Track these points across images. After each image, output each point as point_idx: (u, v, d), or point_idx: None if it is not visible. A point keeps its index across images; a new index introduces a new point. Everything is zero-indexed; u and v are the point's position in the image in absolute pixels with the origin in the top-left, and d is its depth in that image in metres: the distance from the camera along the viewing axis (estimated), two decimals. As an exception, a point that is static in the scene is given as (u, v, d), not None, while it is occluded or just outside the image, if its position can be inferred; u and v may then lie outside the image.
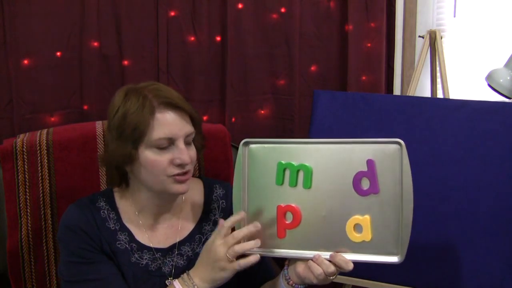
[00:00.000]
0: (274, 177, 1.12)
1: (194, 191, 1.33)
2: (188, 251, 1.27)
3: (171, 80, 1.87)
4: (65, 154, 1.45)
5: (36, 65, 1.72)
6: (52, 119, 1.77)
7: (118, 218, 1.25)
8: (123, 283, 1.19)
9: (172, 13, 1.85)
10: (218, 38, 1.91)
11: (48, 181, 1.44)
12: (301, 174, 1.11)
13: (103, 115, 1.71)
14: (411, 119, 1.43)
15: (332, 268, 1.06)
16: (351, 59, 1.98)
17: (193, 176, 1.46)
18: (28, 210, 1.42)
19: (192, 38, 1.88)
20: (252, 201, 1.14)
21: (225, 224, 1.12)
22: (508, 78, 1.59)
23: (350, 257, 1.07)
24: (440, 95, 1.79)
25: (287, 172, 1.11)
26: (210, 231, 1.29)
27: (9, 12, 1.66)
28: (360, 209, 1.07)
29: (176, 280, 1.16)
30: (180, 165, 1.16)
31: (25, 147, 1.43)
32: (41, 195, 1.43)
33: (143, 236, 1.25)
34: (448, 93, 1.72)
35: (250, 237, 1.11)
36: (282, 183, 1.12)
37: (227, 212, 1.30)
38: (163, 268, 1.24)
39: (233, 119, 1.95)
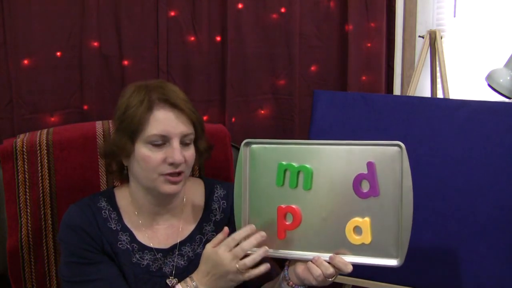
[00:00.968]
0: (275, 178, 1.12)
1: (195, 191, 1.33)
2: (189, 252, 1.27)
3: (171, 80, 1.87)
4: (65, 154, 1.44)
5: (36, 65, 1.72)
6: (52, 119, 1.77)
7: (119, 219, 1.25)
8: (124, 283, 1.19)
9: (172, 13, 1.85)
10: (218, 38, 1.91)
11: (48, 181, 1.43)
12: (301, 175, 1.11)
13: (103, 115, 1.71)
14: (411, 119, 1.43)
15: (331, 270, 1.06)
16: (351, 59, 1.98)
17: (194, 176, 1.47)
18: (28, 210, 1.42)
19: (192, 38, 1.88)
20: (252, 201, 1.14)
21: (236, 237, 1.11)
22: (508, 78, 1.59)
23: (349, 259, 1.07)
24: (440, 95, 1.79)
25: (288, 173, 1.11)
26: (211, 232, 1.29)
27: (9, 12, 1.66)
28: (360, 211, 1.07)
29: (179, 284, 1.16)
30: (173, 164, 1.16)
31: (25, 147, 1.43)
32: (41, 195, 1.43)
33: (143, 237, 1.25)
34: (448, 93, 1.72)
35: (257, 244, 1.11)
36: (283, 184, 1.12)
37: (228, 213, 1.31)
38: (163, 268, 1.24)
39: (233, 119, 1.95)
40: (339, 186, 1.08)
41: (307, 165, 1.10)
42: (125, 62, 1.82)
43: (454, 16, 1.96)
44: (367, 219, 1.06)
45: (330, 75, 2.03)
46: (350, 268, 1.06)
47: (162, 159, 1.16)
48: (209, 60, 1.91)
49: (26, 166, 1.42)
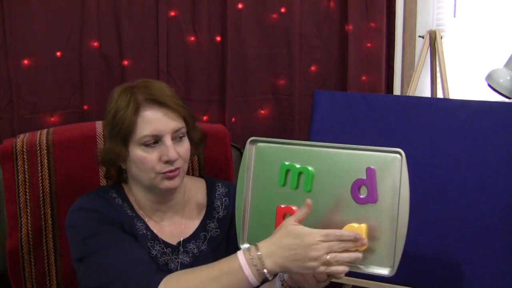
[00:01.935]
0: (277, 178, 1.12)
1: (197, 190, 1.34)
2: (194, 249, 1.27)
3: (171, 80, 1.87)
4: (65, 154, 1.45)
5: (36, 65, 1.72)
6: (52, 119, 1.77)
7: (132, 208, 1.25)
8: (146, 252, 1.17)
9: (172, 13, 1.85)
10: (218, 38, 1.91)
11: (48, 181, 1.43)
12: (302, 176, 1.10)
13: (103, 115, 1.69)
14: (411, 119, 1.43)
15: (322, 275, 1.05)
16: (351, 59, 1.98)
17: (194, 176, 1.47)
18: (28, 210, 1.42)
19: (192, 38, 1.88)
20: (254, 199, 1.14)
21: (337, 233, 1.00)
22: (508, 78, 1.59)
23: None
24: (440, 95, 1.79)
25: (290, 174, 1.11)
26: (215, 229, 1.30)
27: (9, 12, 1.66)
28: (357, 216, 1.05)
29: (241, 252, 1.04)
30: (168, 162, 1.16)
31: (25, 147, 1.43)
32: (41, 195, 1.43)
33: (154, 229, 1.25)
34: (448, 93, 1.72)
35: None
36: (284, 184, 1.12)
37: (230, 209, 1.32)
38: (170, 264, 1.24)
39: (233, 119, 1.95)
40: (338, 190, 1.07)
41: (309, 167, 1.10)
42: (125, 62, 1.82)
43: (454, 16, 1.96)
44: (363, 225, 1.05)
45: (330, 75, 2.03)
46: (342, 274, 1.03)
47: (157, 158, 1.16)
48: (209, 60, 1.91)
49: (26, 166, 1.42)
